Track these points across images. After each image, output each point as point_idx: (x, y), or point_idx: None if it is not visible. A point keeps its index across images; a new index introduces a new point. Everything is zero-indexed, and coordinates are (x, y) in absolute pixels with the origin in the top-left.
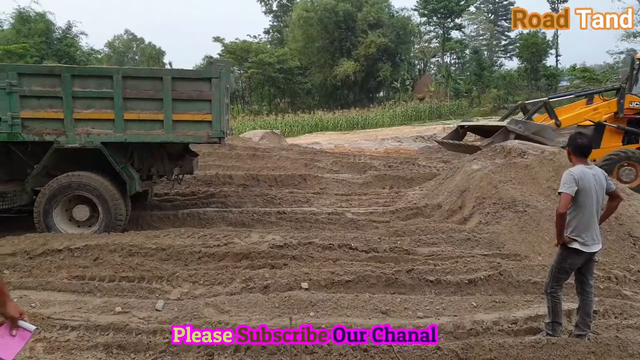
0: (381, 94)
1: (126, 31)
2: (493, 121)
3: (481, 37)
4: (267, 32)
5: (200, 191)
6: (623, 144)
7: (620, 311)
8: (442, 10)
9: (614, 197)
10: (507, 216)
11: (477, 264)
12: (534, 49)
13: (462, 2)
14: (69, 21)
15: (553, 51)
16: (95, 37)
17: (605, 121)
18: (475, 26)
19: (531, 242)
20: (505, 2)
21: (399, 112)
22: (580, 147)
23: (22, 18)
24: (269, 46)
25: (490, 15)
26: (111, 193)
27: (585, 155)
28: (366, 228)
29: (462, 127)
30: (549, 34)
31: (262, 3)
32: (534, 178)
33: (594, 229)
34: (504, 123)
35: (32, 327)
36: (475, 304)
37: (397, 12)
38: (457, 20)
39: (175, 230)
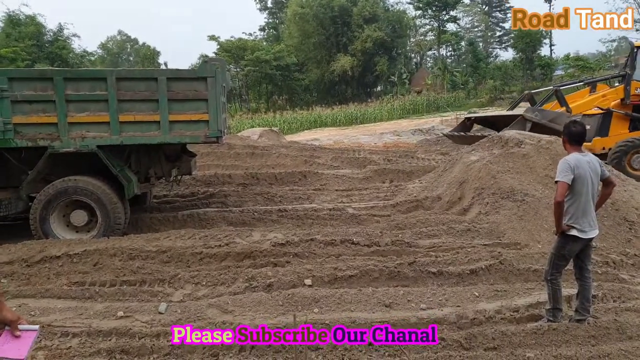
0: (379, 88)
1: (119, 32)
2: (501, 111)
3: (476, 29)
4: (262, 29)
5: (199, 192)
6: (629, 132)
7: (618, 295)
8: (436, 2)
9: (608, 184)
10: (506, 206)
11: (478, 254)
12: (529, 40)
13: None
14: (60, 23)
15: (547, 41)
16: (88, 38)
17: (614, 108)
18: (470, 18)
19: (530, 230)
20: None
21: (397, 106)
22: (575, 134)
23: (12, 21)
24: (265, 43)
25: (484, 6)
26: (109, 197)
27: (580, 143)
28: (367, 222)
29: (469, 119)
30: None
31: (257, 0)
32: (532, 167)
33: (590, 215)
34: (520, 112)
35: (36, 327)
36: (477, 294)
37: (392, 6)
38: (452, 13)
39: (176, 232)
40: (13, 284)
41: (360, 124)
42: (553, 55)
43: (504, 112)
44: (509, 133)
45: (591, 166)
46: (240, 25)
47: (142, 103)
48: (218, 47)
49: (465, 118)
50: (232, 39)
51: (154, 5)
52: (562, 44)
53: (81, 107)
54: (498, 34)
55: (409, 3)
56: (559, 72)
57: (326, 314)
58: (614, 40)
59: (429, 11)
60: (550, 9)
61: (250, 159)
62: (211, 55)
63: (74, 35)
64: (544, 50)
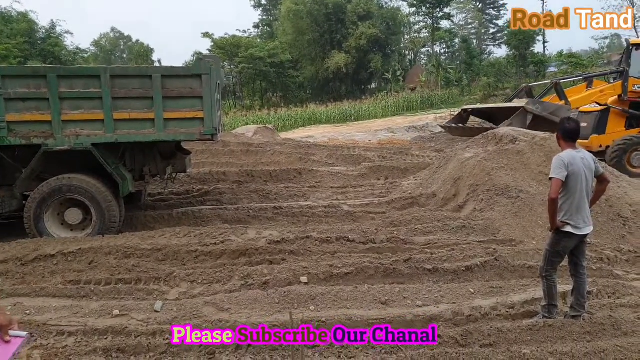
0: (373, 85)
1: (113, 29)
2: (499, 104)
3: (470, 26)
4: (256, 26)
5: (194, 189)
6: (625, 129)
7: (613, 291)
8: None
9: (602, 180)
10: (501, 202)
11: (473, 250)
12: (522, 37)
13: None
14: (52, 20)
15: (540, 38)
16: (81, 36)
17: (611, 104)
18: (463, 15)
19: (525, 227)
20: None
21: (391, 103)
22: (569, 131)
23: (4, 18)
24: (259, 40)
25: (478, 3)
26: (104, 195)
27: (574, 140)
28: (363, 220)
29: (465, 110)
30: None
31: None
32: (526, 164)
33: (585, 212)
34: (522, 104)
35: (23, 333)
36: (472, 291)
37: (386, 3)
38: (446, 10)
39: (171, 230)
40: (8, 283)
41: (354, 121)
42: (546, 53)
43: (502, 105)
44: (503, 130)
45: (585, 163)
46: (234, 22)
47: (136, 101)
48: (212, 44)
49: (462, 109)
50: (226, 36)
51: (148, 2)
52: (555, 42)
53: (75, 104)
54: (492, 30)
55: (403, 0)
56: (552, 69)
57: (322, 312)
58: (606, 38)
59: (423, 8)
60: (543, 8)
61: (245, 156)
62: (205, 52)
63: (67, 32)
64: (538, 48)
